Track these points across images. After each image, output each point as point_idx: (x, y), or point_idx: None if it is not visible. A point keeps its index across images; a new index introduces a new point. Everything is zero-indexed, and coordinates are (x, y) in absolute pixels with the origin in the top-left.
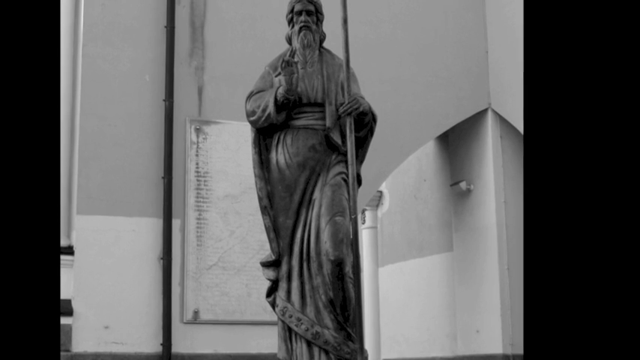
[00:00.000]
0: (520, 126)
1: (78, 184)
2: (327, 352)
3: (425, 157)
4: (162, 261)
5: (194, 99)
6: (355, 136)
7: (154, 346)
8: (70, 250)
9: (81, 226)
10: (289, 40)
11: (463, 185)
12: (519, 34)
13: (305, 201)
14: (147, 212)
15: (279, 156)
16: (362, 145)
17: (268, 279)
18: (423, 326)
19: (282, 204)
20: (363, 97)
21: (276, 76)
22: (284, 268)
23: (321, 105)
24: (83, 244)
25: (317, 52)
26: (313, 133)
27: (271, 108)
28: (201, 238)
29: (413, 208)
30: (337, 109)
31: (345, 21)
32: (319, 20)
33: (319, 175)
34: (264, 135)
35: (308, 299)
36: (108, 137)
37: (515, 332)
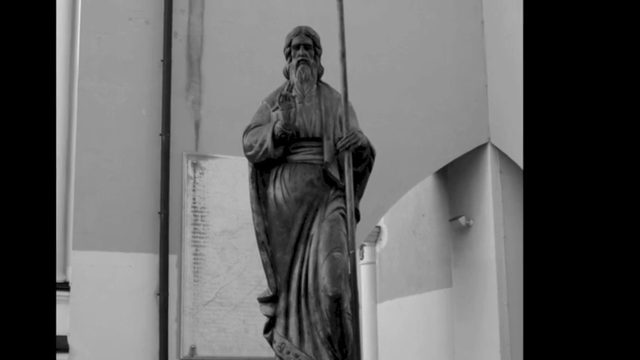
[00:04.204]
0: (520, 161)
1: (74, 219)
2: None
3: (424, 192)
4: (158, 297)
5: (191, 133)
6: (353, 171)
7: None
8: (65, 286)
9: (77, 262)
10: (287, 74)
11: (462, 220)
12: (519, 69)
13: (303, 236)
14: (143, 248)
15: (277, 191)
16: (360, 180)
17: (266, 315)
18: None
19: (280, 239)
20: (361, 132)
21: (273, 111)
22: (282, 304)
23: (319, 139)
24: (79, 280)
25: (315, 86)
26: (311, 167)
27: (269, 142)
28: (198, 274)
29: (412, 243)
30: (335, 144)
31: (343, 55)
32: (317, 54)
33: (317, 210)
34: (262, 170)
35: (306, 335)
36: (104, 172)
37: None
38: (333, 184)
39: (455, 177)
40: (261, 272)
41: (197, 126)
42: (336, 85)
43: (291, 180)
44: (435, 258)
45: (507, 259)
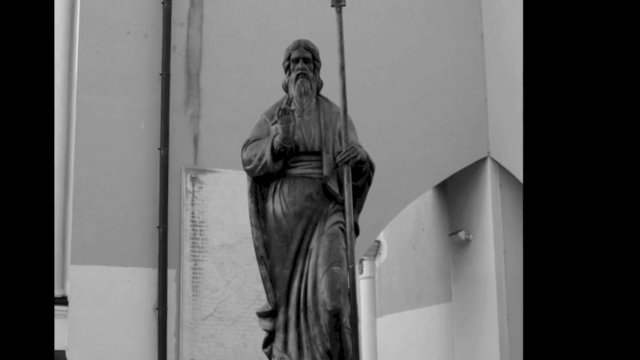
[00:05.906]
0: (520, 175)
1: (72, 234)
2: None
3: (423, 206)
4: (157, 311)
5: (190, 147)
6: (353, 185)
7: None
8: (64, 301)
9: (75, 276)
10: (286, 88)
11: (462, 235)
12: (519, 83)
13: (302, 251)
14: (142, 262)
15: (276, 205)
16: (360, 194)
17: (265, 329)
18: None
19: (279, 254)
20: (360, 146)
21: (272, 124)
22: (281, 318)
23: (318, 153)
24: (77, 295)
25: (314, 99)
26: (310, 181)
27: (268, 156)
28: (196, 289)
29: (411, 257)
30: (334, 158)
31: (342, 68)
32: (316, 68)
33: (316, 224)
34: (261, 184)
35: (305, 350)
36: (102, 186)
37: None
38: (332, 198)
39: (454, 191)
40: (260, 287)
41: (196, 140)
42: (336, 99)
43: (291, 194)
44: (435, 272)
45: (507, 273)
